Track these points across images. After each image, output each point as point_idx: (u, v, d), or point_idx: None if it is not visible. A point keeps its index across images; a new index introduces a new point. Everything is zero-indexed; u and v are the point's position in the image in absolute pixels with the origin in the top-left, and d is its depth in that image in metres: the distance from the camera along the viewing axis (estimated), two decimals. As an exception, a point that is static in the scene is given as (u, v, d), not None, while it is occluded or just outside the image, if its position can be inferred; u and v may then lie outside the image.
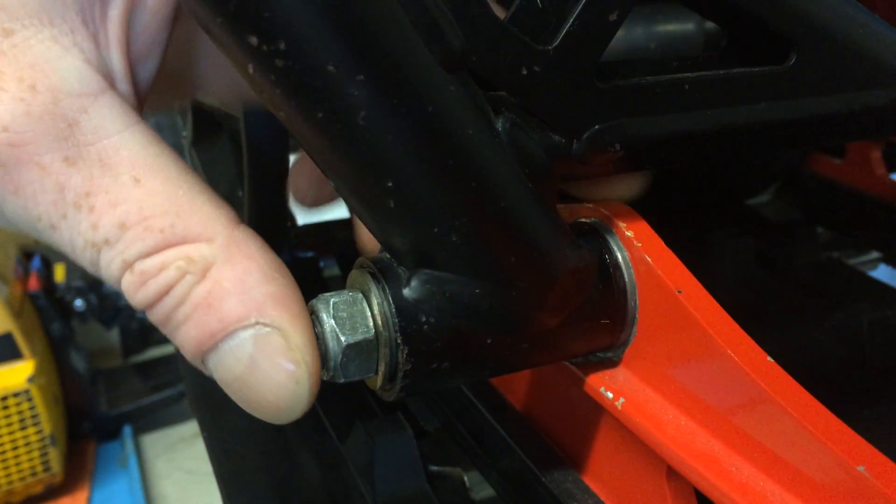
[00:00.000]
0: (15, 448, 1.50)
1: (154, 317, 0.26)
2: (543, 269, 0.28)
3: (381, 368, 0.28)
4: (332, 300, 0.28)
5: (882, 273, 0.80)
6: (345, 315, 0.28)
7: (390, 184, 0.25)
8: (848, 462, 0.26)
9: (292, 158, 0.57)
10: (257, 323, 0.25)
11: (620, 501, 0.37)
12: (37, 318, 1.66)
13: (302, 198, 0.45)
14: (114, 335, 2.02)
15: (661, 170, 0.34)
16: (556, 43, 0.27)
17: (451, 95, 0.25)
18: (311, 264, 0.69)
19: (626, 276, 0.32)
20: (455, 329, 0.28)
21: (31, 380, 1.47)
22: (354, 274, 0.30)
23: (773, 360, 0.29)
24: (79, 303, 1.80)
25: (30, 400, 1.48)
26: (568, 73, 0.27)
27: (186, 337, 0.26)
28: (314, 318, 0.28)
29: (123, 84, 0.27)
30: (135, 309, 0.26)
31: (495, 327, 0.28)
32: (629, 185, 0.35)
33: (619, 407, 0.33)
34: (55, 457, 1.55)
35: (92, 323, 1.87)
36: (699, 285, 0.31)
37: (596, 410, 0.37)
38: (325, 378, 0.29)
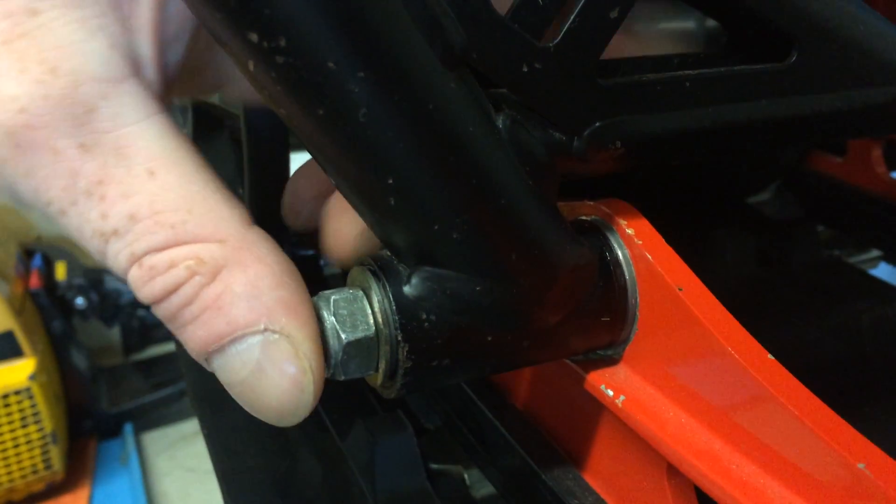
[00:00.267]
0: (16, 446, 1.50)
1: (160, 312, 0.26)
2: (544, 267, 0.28)
3: (382, 366, 0.28)
4: (333, 297, 0.28)
5: (882, 271, 0.80)
6: (345, 312, 0.28)
7: (391, 181, 0.25)
8: (848, 459, 0.26)
9: (293, 157, 0.57)
10: (266, 329, 0.25)
11: (621, 499, 0.37)
12: (38, 316, 1.66)
13: (293, 220, 0.42)
14: (115, 333, 2.02)
15: (662, 167, 0.34)
16: (557, 40, 0.27)
17: (452, 92, 0.25)
18: (312, 262, 0.69)
19: (626, 273, 0.32)
20: (455, 326, 0.28)
21: (32, 378, 1.47)
22: (355, 271, 0.30)
23: (773, 358, 0.29)
24: (80, 301, 1.80)
25: (31, 398, 1.48)
26: (569, 70, 0.27)
27: (192, 336, 0.26)
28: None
29: (150, 69, 0.26)
30: (139, 301, 0.26)
31: (496, 325, 0.28)
32: None
33: (620, 404, 0.33)
34: (56, 454, 1.55)
35: (93, 321, 1.87)
36: (700, 283, 0.31)
37: (596, 408, 0.37)
38: (325, 376, 0.29)
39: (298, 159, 0.56)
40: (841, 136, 0.36)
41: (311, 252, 0.69)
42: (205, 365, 0.27)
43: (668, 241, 0.32)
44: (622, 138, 0.29)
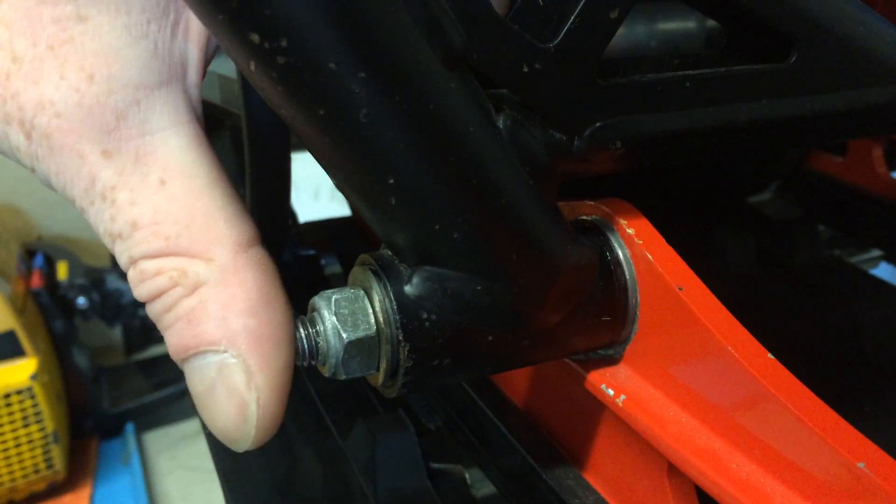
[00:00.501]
0: (18, 445, 1.50)
1: (149, 314, 0.27)
2: (544, 267, 0.28)
3: (383, 365, 0.28)
4: (334, 297, 0.28)
5: (883, 271, 0.80)
6: (346, 312, 0.28)
7: (392, 181, 0.25)
8: (848, 459, 0.26)
9: (294, 157, 0.57)
10: (226, 351, 0.26)
11: (622, 498, 0.37)
12: (39, 316, 1.66)
13: None
14: (116, 333, 2.02)
15: (662, 167, 0.34)
16: (558, 40, 0.27)
17: (453, 93, 0.25)
18: (313, 262, 0.69)
19: (627, 273, 0.32)
20: (456, 326, 0.28)
21: (33, 377, 1.47)
22: (356, 271, 0.30)
23: (773, 358, 0.29)
24: (81, 300, 1.80)
25: (32, 397, 1.48)
26: (569, 70, 0.27)
27: (169, 341, 0.27)
28: (315, 315, 0.28)
29: (194, 73, 0.27)
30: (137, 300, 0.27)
31: (496, 324, 0.29)
32: None
33: (621, 404, 0.33)
34: (58, 454, 1.55)
35: (94, 320, 1.87)
36: (700, 283, 0.31)
37: (597, 407, 0.37)
38: (326, 375, 0.29)
39: (299, 159, 0.56)
40: (841, 137, 0.36)
41: (312, 252, 0.70)
42: (181, 368, 0.28)
43: (669, 241, 0.32)
44: (622, 138, 0.29)
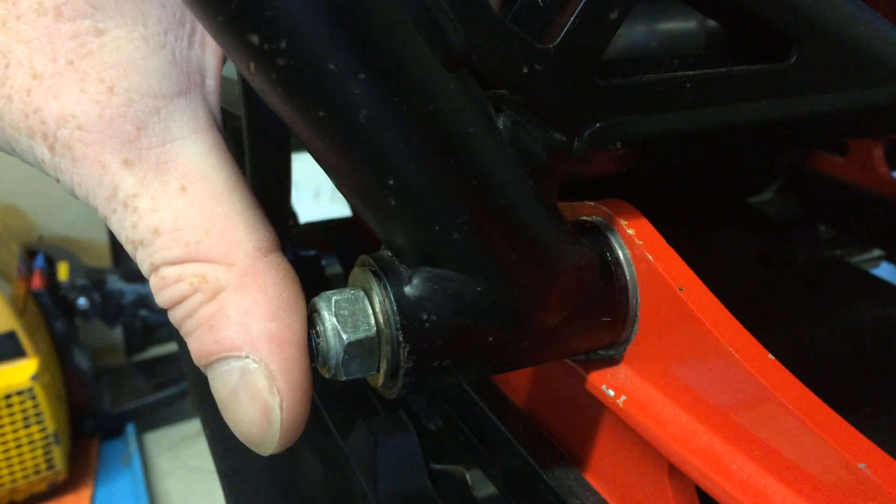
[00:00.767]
0: (18, 446, 1.50)
1: (171, 320, 0.28)
2: (545, 267, 0.28)
3: (383, 366, 0.28)
4: (334, 298, 0.28)
5: (884, 271, 0.80)
6: (346, 313, 0.28)
7: (391, 182, 0.25)
8: (849, 459, 0.26)
9: (294, 157, 0.57)
10: (248, 357, 0.26)
11: (622, 499, 0.37)
12: (40, 317, 1.67)
13: None
14: (117, 333, 2.02)
15: (662, 168, 0.34)
16: (557, 41, 0.27)
17: (452, 94, 0.25)
18: (313, 263, 0.69)
19: (627, 273, 0.32)
20: (456, 327, 0.28)
21: (34, 378, 1.47)
22: (356, 272, 0.30)
23: (774, 358, 0.29)
24: (82, 301, 1.80)
25: (33, 398, 1.48)
26: (569, 71, 0.27)
27: (191, 347, 0.27)
28: (315, 316, 0.28)
29: (212, 80, 0.28)
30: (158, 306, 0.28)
31: (497, 325, 0.29)
32: None
33: (621, 404, 0.33)
34: (58, 455, 1.55)
35: (95, 321, 1.87)
36: (701, 283, 0.31)
37: (597, 408, 0.37)
38: (326, 376, 0.29)
39: (300, 160, 0.56)
40: (841, 137, 0.36)
41: (312, 252, 0.70)
42: (204, 373, 0.28)
43: (669, 242, 0.32)
44: (622, 139, 0.29)
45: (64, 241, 2.00)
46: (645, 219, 0.32)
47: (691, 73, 0.30)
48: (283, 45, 0.22)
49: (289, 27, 0.22)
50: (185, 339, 0.27)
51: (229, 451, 0.50)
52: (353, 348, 0.28)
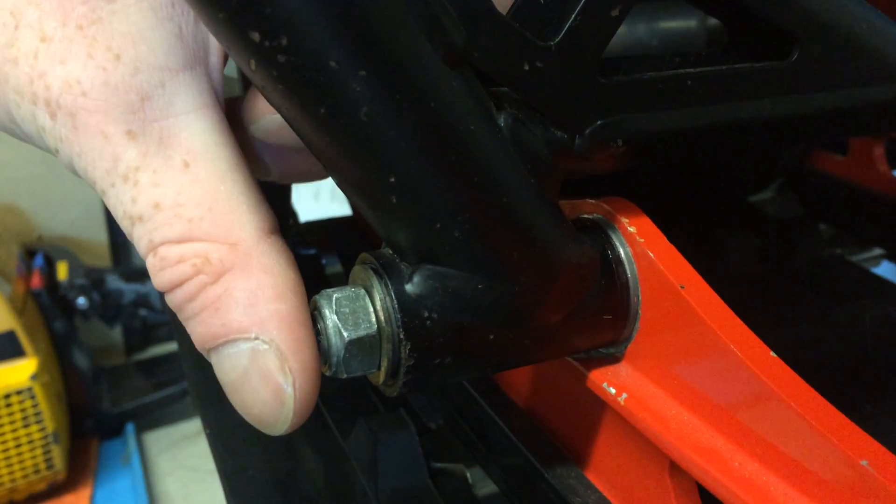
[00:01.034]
0: (18, 446, 1.50)
1: (169, 303, 0.27)
2: (546, 265, 0.28)
3: (384, 364, 0.28)
4: (335, 296, 0.28)
5: (885, 270, 0.80)
6: (347, 311, 0.28)
7: (392, 179, 0.25)
8: (851, 456, 0.26)
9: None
10: (257, 338, 0.26)
11: (623, 497, 0.37)
12: (39, 316, 1.67)
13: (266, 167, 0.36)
14: (116, 333, 2.02)
15: (663, 166, 0.34)
16: (559, 39, 0.27)
17: (454, 91, 0.25)
18: (314, 261, 0.69)
19: (628, 271, 0.32)
20: (457, 324, 0.28)
21: (33, 377, 1.47)
22: (357, 270, 0.30)
23: (776, 356, 0.29)
24: (81, 301, 1.80)
25: (33, 398, 1.48)
26: (570, 68, 0.27)
27: (194, 331, 0.27)
28: (317, 314, 0.28)
29: (216, 57, 0.27)
30: (155, 288, 0.27)
31: (498, 323, 0.28)
32: None
33: (622, 402, 0.33)
34: (58, 454, 1.55)
35: (94, 321, 1.87)
36: (702, 281, 0.31)
37: (599, 406, 0.37)
38: (327, 374, 0.29)
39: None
40: (843, 135, 0.36)
41: (312, 251, 0.69)
42: (207, 358, 0.28)
43: (670, 240, 0.32)
44: (624, 136, 0.29)
45: (63, 241, 2.00)
46: (646, 216, 0.32)
47: (692, 70, 0.30)
48: (284, 42, 0.22)
49: (290, 24, 0.22)
50: (186, 322, 0.27)
51: (230, 450, 0.50)
52: (353, 346, 0.28)
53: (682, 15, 0.65)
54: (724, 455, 0.30)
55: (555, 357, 0.32)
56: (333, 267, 0.70)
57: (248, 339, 0.26)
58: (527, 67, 0.27)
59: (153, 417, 1.89)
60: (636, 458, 0.35)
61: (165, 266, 0.26)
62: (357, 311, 0.28)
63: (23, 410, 1.48)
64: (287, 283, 0.27)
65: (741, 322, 0.30)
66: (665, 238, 0.32)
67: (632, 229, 0.32)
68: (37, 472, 1.54)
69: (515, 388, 0.46)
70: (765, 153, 0.79)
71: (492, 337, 0.29)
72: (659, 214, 0.33)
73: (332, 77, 0.22)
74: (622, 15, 0.27)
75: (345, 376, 0.28)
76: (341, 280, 0.68)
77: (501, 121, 0.27)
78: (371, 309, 0.28)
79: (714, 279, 0.31)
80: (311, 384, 0.27)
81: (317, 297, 0.28)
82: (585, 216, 0.34)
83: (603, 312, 0.32)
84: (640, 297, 0.32)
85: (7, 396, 1.46)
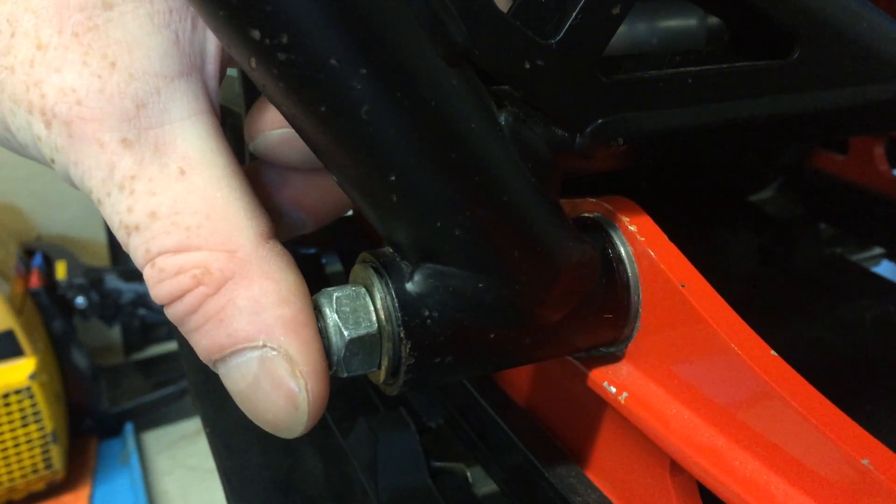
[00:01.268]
0: (16, 445, 1.50)
1: (169, 316, 0.26)
2: (546, 264, 0.28)
3: (384, 363, 0.28)
4: (336, 294, 0.28)
5: (885, 269, 0.80)
6: (348, 310, 0.28)
7: (393, 178, 0.25)
8: (852, 455, 0.26)
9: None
10: (265, 345, 0.26)
11: (624, 496, 0.37)
12: (38, 316, 1.66)
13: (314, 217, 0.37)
14: (115, 332, 2.02)
15: (664, 164, 0.34)
16: (559, 37, 0.27)
17: (454, 89, 0.25)
18: (314, 261, 0.69)
19: (629, 270, 0.32)
20: (458, 323, 0.28)
21: (32, 377, 1.47)
22: (357, 268, 0.30)
23: (776, 355, 0.29)
24: (80, 300, 1.79)
25: (31, 397, 1.48)
26: (571, 67, 0.27)
27: (198, 343, 0.26)
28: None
29: (211, 64, 0.27)
30: (152, 300, 0.27)
31: (498, 322, 0.28)
32: None
33: (623, 401, 0.33)
34: (57, 454, 1.55)
35: (93, 320, 1.87)
36: (703, 280, 0.31)
37: (599, 405, 0.37)
38: (328, 373, 0.29)
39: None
40: (843, 134, 0.36)
41: (312, 251, 0.69)
42: (212, 368, 0.27)
43: (671, 239, 0.32)
44: (624, 135, 0.29)
45: (62, 240, 2.00)
46: (647, 215, 0.32)
47: (693, 69, 0.30)
48: (285, 40, 0.22)
49: (290, 22, 0.21)
50: (189, 335, 0.26)
51: (229, 450, 0.50)
52: (354, 345, 0.28)
53: (683, 13, 0.65)
54: (724, 454, 0.30)
55: (555, 356, 0.32)
56: (333, 266, 0.70)
57: (255, 347, 0.26)
58: (527, 66, 0.27)
59: (152, 417, 1.89)
60: (637, 457, 0.35)
61: (164, 278, 0.25)
62: (357, 309, 0.28)
63: (21, 410, 1.48)
64: (289, 286, 0.26)
65: (742, 321, 0.30)
66: (666, 237, 0.32)
67: (632, 228, 0.32)
68: (35, 471, 1.54)
69: (516, 387, 0.46)
70: (765, 152, 0.79)
71: (492, 336, 0.29)
72: (659, 213, 0.33)
73: (333, 75, 0.22)
74: (623, 13, 0.27)
75: (345, 375, 0.28)
76: (341, 279, 0.68)
77: (502, 119, 0.27)
78: (371, 308, 0.28)
79: (714, 278, 0.31)
80: (322, 385, 0.27)
81: (317, 295, 0.28)
82: (586, 215, 0.34)
83: (603, 311, 0.32)
84: (640, 296, 0.32)
85: (6, 396, 1.45)
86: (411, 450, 0.46)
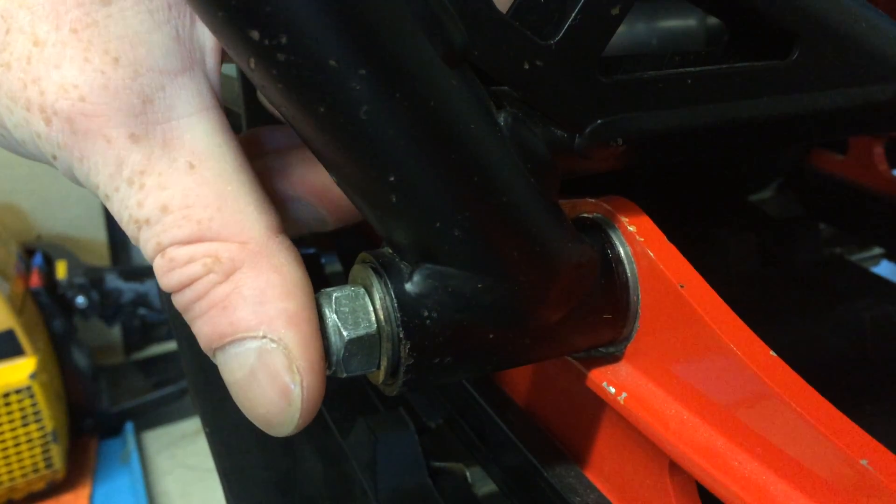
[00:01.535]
0: (17, 445, 1.50)
1: (176, 303, 0.27)
2: (546, 264, 0.28)
3: (384, 363, 0.28)
4: (335, 295, 0.28)
5: (884, 269, 0.80)
6: (347, 310, 0.28)
7: (392, 178, 0.25)
8: (850, 456, 0.26)
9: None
10: (265, 336, 0.26)
11: (623, 496, 0.37)
12: (38, 315, 1.67)
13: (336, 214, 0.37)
14: (115, 332, 2.02)
15: (663, 165, 0.34)
16: (559, 37, 0.27)
17: (454, 90, 0.25)
18: (313, 261, 0.69)
19: (628, 270, 0.32)
20: (457, 324, 0.28)
21: (32, 376, 1.47)
22: (356, 269, 0.30)
23: (775, 355, 0.29)
24: (80, 300, 1.80)
25: (32, 396, 1.48)
26: (570, 67, 0.27)
27: (200, 330, 0.26)
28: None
29: (211, 59, 0.27)
30: (161, 289, 0.27)
31: (497, 322, 0.28)
32: None
33: (622, 402, 0.33)
34: (57, 453, 1.55)
35: (94, 320, 1.87)
36: (702, 280, 0.31)
37: (598, 405, 0.37)
38: (326, 373, 0.29)
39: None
40: (843, 134, 0.36)
41: (311, 250, 0.69)
42: (211, 358, 0.27)
43: (670, 239, 0.32)
44: (624, 135, 0.29)
45: (62, 240, 2.00)
46: (646, 216, 0.32)
47: (692, 69, 0.30)
48: (284, 40, 0.22)
49: (289, 23, 0.21)
50: (192, 321, 0.27)
51: (229, 449, 0.50)
52: (353, 345, 0.28)
53: (682, 14, 0.65)
54: (723, 454, 0.30)
55: (554, 356, 0.32)
56: (333, 266, 0.70)
57: (255, 337, 0.26)
58: (527, 66, 0.27)
59: (152, 416, 1.89)
60: (636, 457, 0.35)
61: (174, 267, 0.26)
62: (357, 310, 0.28)
63: (22, 409, 1.48)
64: (296, 281, 0.26)
65: (741, 321, 0.30)
66: (665, 237, 0.32)
67: (632, 228, 0.32)
68: (36, 471, 1.54)
69: (515, 387, 0.46)
70: (765, 152, 0.79)
71: (491, 336, 0.29)
72: (659, 214, 0.33)
73: (332, 76, 0.22)
74: (622, 13, 0.27)
75: (344, 375, 0.28)
76: (340, 279, 0.68)
77: (501, 120, 0.27)
78: (371, 308, 0.28)
79: (714, 278, 0.31)
80: (318, 383, 0.27)
81: (316, 296, 0.28)
82: (585, 215, 0.34)
83: (602, 312, 0.32)
84: (639, 297, 0.32)
85: (6, 395, 1.46)
86: (411, 450, 0.46)
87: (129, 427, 1.84)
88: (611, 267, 0.32)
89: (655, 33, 0.64)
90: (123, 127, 0.25)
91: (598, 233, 0.32)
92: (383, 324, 0.28)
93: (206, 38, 0.27)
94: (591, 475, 0.39)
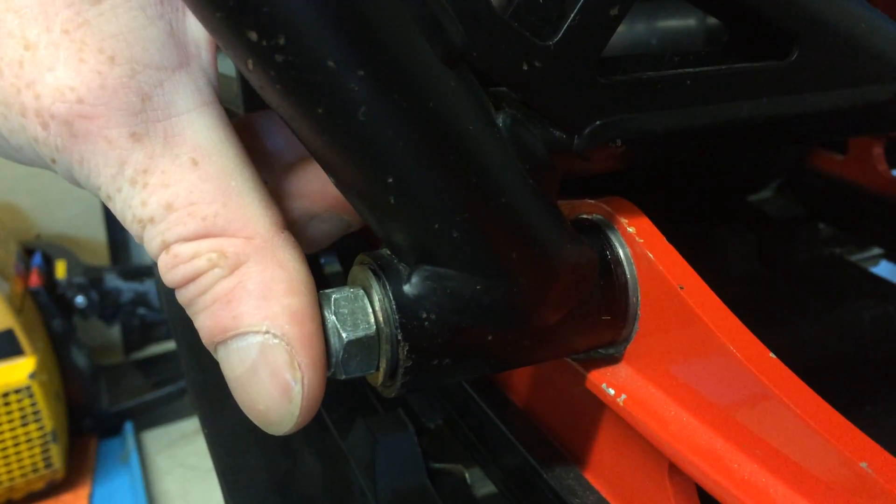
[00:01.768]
0: (16, 444, 1.50)
1: (179, 298, 0.26)
2: (544, 265, 0.28)
3: (382, 365, 0.28)
4: (334, 296, 0.28)
5: (884, 269, 0.80)
6: (346, 311, 0.28)
7: (391, 180, 0.25)
8: (850, 458, 0.25)
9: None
10: (268, 332, 0.25)
11: (622, 498, 0.37)
12: (38, 315, 1.66)
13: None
14: (115, 332, 2.02)
15: (662, 165, 0.34)
16: (558, 38, 0.27)
17: (452, 91, 0.25)
18: (312, 261, 0.69)
19: (627, 272, 0.32)
20: (456, 325, 0.28)
21: (32, 376, 1.47)
22: (355, 270, 0.30)
23: (775, 357, 0.29)
24: (80, 299, 1.80)
25: (31, 396, 1.48)
26: (569, 68, 0.27)
27: (202, 324, 0.26)
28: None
29: (206, 54, 0.27)
30: (164, 286, 0.27)
31: (496, 323, 0.28)
32: None
33: (621, 403, 0.33)
34: (56, 453, 1.55)
35: (93, 319, 1.87)
36: (701, 281, 0.30)
37: (598, 407, 0.37)
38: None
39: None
40: (842, 134, 0.36)
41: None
42: (213, 353, 0.27)
43: (670, 240, 0.32)
44: (623, 136, 0.29)
45: (62, 239, 2.00)
46: (645, 217, 0.32)
47: (692, 70, 0.30)
48: (282, 41, 0.22)
49: (288, 23, 0.21)
50: (195, 316, 0.26)
51: (228, 450, 0.50)
52: (352, 347, 0.28)
53: (681, 14, 0.65)
54: (723, 456, 0.30)
55: (554, 358, 0.32)
56: (332, 267, 0.70)
57: (258, 332, 0.25)
58: (525, 67, 0.27)
59: (152, 416, 1.89)
60: (635, 459, 0.35)
61: (179, 263, 0.25)
62: (356, 311, 0.28)
63: (21, 409, 1.48)
64: (300, 278, 0.26)
65: (740, 322, 0.29)
66: (664, 238, 0.32)
67: (631, 230, 0.32)
68: (35, 470, 1.54)
69: (514, 388, 0.46)
70: (764, 153, 0.79)
71: (490, 338, 0.29)
72: (658, 214, 0.33)
73: (330, 77, 0.22)
74: (621, 14, 0.27)
75: (343, 377, 0.28)
76: (340, 280, 0.68)
77: (500, 121, 0.27)
78: (370, 310, 0.28)
79: (713, 279, 0.31)
80: (319, 381, 0.26)
81: (315, 297, 0.28)
82: (584, 216, 0.34)
83: (602, 313, 0.32)
84: (639, 298, 0.32)
85: (6, 395, 1.46)
86: (410, 451, 0.46)
87: (128, 427, 1.84)
88: (610, 268, 0.32)
89: (655, 33, 0.64)
90: (124, 126, 0.25)
91: (598, 234, 0.32)
92: (382, 325, 0.28)
93: (200, 33, 0.26)
94: (590, 477, 0.39)
